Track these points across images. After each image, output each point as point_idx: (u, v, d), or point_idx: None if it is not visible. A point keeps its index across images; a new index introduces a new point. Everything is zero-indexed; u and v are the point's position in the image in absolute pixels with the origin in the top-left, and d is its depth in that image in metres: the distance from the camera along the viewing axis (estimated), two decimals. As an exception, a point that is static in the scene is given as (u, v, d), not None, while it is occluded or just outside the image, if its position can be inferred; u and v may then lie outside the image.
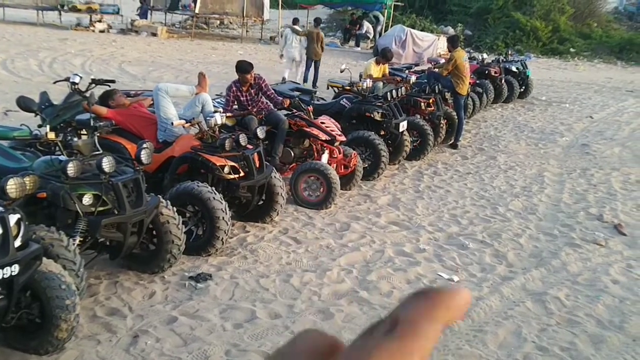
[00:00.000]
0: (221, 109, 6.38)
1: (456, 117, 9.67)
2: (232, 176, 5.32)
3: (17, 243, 3.22)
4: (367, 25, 23.98)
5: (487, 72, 13.05)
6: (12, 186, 3.26)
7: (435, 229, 6.19)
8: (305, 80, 14.45)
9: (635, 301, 4.83)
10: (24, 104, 5.95)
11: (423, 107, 9.03)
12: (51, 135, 4.36)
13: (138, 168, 4.35)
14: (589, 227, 6.44)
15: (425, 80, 10.06)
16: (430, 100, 9.12)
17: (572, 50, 24.92)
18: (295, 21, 15.97)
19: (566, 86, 17.11)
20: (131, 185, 4.24)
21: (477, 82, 12.35)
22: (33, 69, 13.84)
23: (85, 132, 5.88)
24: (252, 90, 6.98)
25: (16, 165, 4.26)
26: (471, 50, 20.56)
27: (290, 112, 7.22)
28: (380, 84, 9.41)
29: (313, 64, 14.59)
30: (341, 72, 9.18)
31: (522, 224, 6.44)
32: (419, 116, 8.92)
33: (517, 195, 7.43)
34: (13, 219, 3.20)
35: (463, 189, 7.63)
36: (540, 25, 25.08)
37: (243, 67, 6.80)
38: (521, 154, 9.50)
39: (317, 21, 15.80)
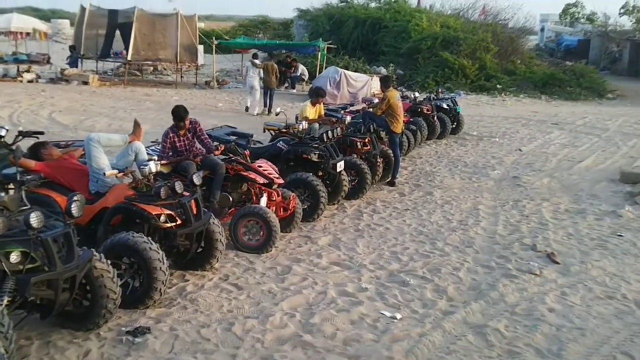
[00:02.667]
0: (156, 157, 6.29)
1: (392, 154, 9.86)
2: (168, 225, 5.21)
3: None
4: (301, 68, 24.38)
5: (419, 110, 13.43)
6: None
7: (376, 267, 6.23)
8: (266, 106, 17.75)
9: (571, 328, 4.97)
10: (-55, 159, 5.70)
11: (359, 147, 9.18)
12: (-26, 192, 4.17)
13: (69, 222, 4.19)
14: (524, 258, 6.62)
15: (361, 120, 10.26)
16: (366, 140, 9.28)
17: (498, 86, 26.00)
18: (255, 56, 19.21)
19: (495, 121, 17.79)
20: (62, 240, 4.09)
21: (411, 120, 12.69)
22: (-43, 121, 13.32)
23: (12, 187, 5.66)
24: (188, 135, 6.93)
25: None
26: (403, 89, 21.19)
27: (227, 157, 7.19)
28: (317, 125, 9.54)
29: (269, 92, 17.84)
30: (276, 115, 9.26)
31: (461, 258, 6.56)
32: (355, 155, 9.04)
33: (454, 229, 7.59)
34: None
35: (402, 225, 7.74)
36: (467, 63, 26.13)
37: (179, 113, 6.76)
38: (456, 189, 9.74)
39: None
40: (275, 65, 18.84)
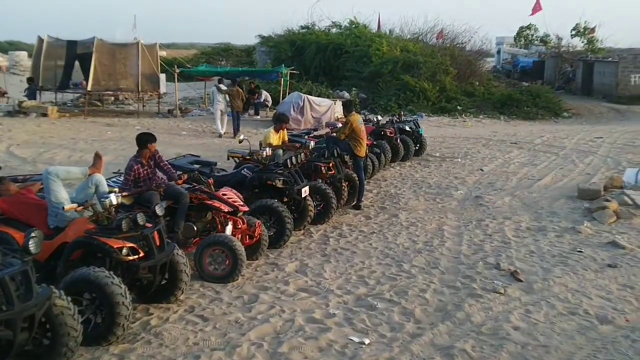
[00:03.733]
0: (117, 189, 6.20)
1: (357, 178, 9.92)
2: (131, 258, 5.12)
3: None
4: (265, 94, 24.46)
5: (383, 132, 13.59)
6: None
7: (344, 292, 6.22)
8: (236, 129, 18.29)
9: (536, 346, 5.03)
10: None
11: (324, 171, 9.22)
12: None
13: (26, 259, 4.09)
14: (488, 277, 6.70)
15: (325, 145, 10.32)
16: (331, 164, 9.33)
17: (459, 107, 26.50)
18: (220, 81, 20.27)
19: (457, 142, 18.08)
20: (19, 277, 3.98)
21: (375, 143, 12.81)
22: None
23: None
24: (151, 163, 6.87)
25: None
26: (366, 113, 21.44)
27: (191, 186, 7.13)
28: (280, 151, 9.54)
29: (236, 114, 18.67)
30: (240, 142, 9.24)
31: (427, 279, 6.61)
32: (320, 180, 9.08)
33: (420, 251, 7.65)
34: None
35: (368, 248, 7.76)
36: (428, 86, 26.61)
37: (144, 140, 6.72)
38: (421, 210, 9.84)
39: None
40: (241, 90, 19.84)
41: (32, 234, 4.18)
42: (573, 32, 36.44)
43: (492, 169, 13.68)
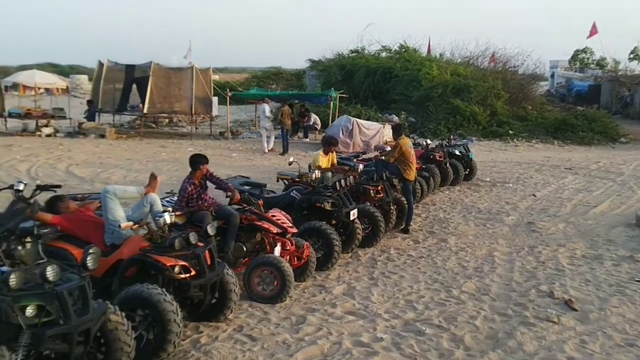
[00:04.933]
0: (170, 208, 6.36)
1: (405, 202, 9.87)
2: (183, 276, 5.22)
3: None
4: (314, 117, 24.69)
5: (432, 157, 13.50)
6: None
7: (391, 316, 6.17)
8: (285, 147, 19.79)
9: (592, 377, 4.86)
10: (-36, 215, 5.79)
11: (372, 195, 9.21)
12: (-10, 247, 4.24)
13: (84, 274, 4.23)
14: (541, 305, 6.52)
15: (373, 168, 10.32)
16: (379, 187, 9.32)
17: (510, 132, 26.09)
18: (267, 100, 21.63)
19: (508, 166, 17.79)
20: (77, 292, 4.12)
21: (424, 167, 12.74)
22: (-24, 177, 13.57)
23: (29, 240, 5.73)
24: (203, 183, 7.06)
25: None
26: (415, 137, 21.35)
27: (240, 207, 7.25)
28: (329, 174, 9.61)
29: (285, 132, 19.89)
30: (289, 164, 9.34)
31: (477, 306, 6.48)
32: (369, 203, 9.06)
33: (470, 277, 7.52)
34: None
35: (417, 273, 7.68)
36: (478, 110, 26.34)
37: (197, 161, 6.93)
38: (471, 235, 9.69)
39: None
40: (289, 109, 21.15)
41: (90, 251, 4.33)
42: (631, 56, 35.55)
43: (545, 195, 13.37)
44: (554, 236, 9.67)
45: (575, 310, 6.39)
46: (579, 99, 38.00)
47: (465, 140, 20.20)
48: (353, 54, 34.64)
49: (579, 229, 10.24)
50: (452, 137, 16.99)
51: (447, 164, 13.85)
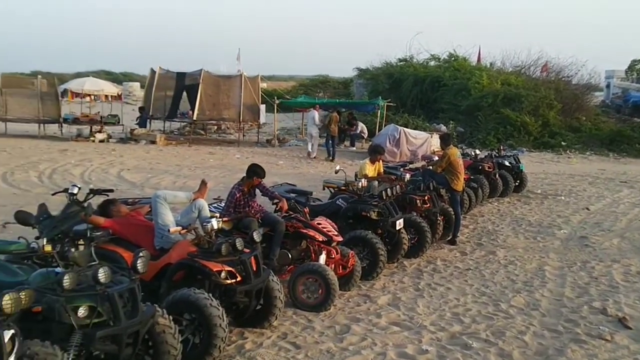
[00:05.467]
0: (218, 214, 6.44)
1: (453, 212, 9.73)
2: (229, 281, 5.27)
3: (11, 360, 3.16)
4: (361, 126, 24.66)
5: (481, 167, 13.29)
6: (7, 302, 3.24)
7: (437, 328, 6.07)
8: (329, 154, 20.34)
9: (648, 399, 4.66)
10: (21, 217, 6.00)
11: (419, 204, 9.12)
12: (47, 248, 4.38)
13: (134, 277, 4.32)
14: (593, 322, 6.31)
15: (420, 178, 10.22)
16: (426, 197, 9.21)
17: (563, 143, 25.44)
18: (317, 107, 22.31)
19: (560, 179, 17.34)
20: (127, 295, 4.20)
21: (472, 177, 12.54)
22: (33, 180, 14.07)
23: (82, 243, 5.90)
24: (252, 191, 7.14)
25: (12, 279, 4.25)
26: (464, 147, 21.05)
27: (286, 214, 7.28)
28: (376, 183, 9.55)
29: (331, 139, 20.40)
30: (336, 172, 9.34)
31: (526, 321, 6.32)
32: (415, 213, 8.98)
33: (519, 291, 7.34)
34: (7, 335, 3.16)
35: (464, 285, 7.55)
36: (529, 120, 25.78)
37: (257, 172, 7.02)
38: (520, 248, 9.47)
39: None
40: (337, 115, 21.53)
41: (140, 254, 4.42)
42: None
43: (599, 209, 12.97)
44: (607, 251, 9.36)
45: (629, 328, 6.15)
46: (635, 110, 36.70)
47: (515, 151, 19.81)
48: (401, 63, 34.51)
49: (634, 244, 9.89)
50: (501, 148, 16.65)
51: (496, 175, 13.60)
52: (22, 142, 21.49)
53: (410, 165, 12.99)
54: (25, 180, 13.97)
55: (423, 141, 20.13)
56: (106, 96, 29.55)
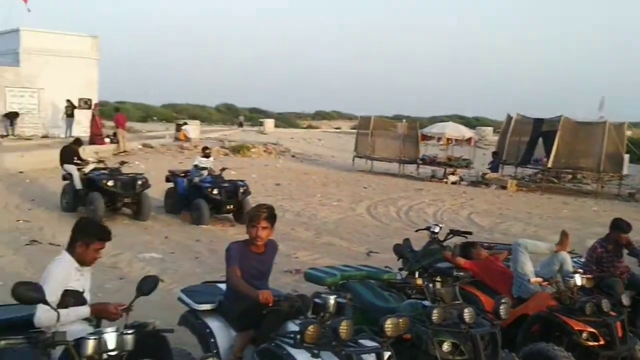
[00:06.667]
0: (581, 270, 6.13)
1: None
2: (590, 343, 4.96)
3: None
4: None
5: None
6: (389, 325, 3.65)
7: None
8: None
9: None
10: (397, 249, 6.71)
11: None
12: (419, 282, 4.78)
13: (496, 322, 4.41)
14: None
15: None
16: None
17: None
18: None
19: None
20: (488, 338, 4.31)
21: None
22: (392, 215, 15.43)
23: (439, 280, 6.24)
24: (617, 248, 6.62)
25: (385, 305, 4.76)
26: None
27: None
28: None
29: None
30: None
31: None
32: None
33: None
34: (386, 355, 3.56)
35: None
36: None
37: (622, 226, 6.53)
38: None
39: None
40: None
41: (503, 300, 4.49)
42: None
43: None
44: None
45: None
46: None
47: None
48: None
49: None
50: None
51: None
52: (384, 179, 23.82)
53: None
54: (386, 214, 15.40)
55: None
56: (457, 139, 30.75)
